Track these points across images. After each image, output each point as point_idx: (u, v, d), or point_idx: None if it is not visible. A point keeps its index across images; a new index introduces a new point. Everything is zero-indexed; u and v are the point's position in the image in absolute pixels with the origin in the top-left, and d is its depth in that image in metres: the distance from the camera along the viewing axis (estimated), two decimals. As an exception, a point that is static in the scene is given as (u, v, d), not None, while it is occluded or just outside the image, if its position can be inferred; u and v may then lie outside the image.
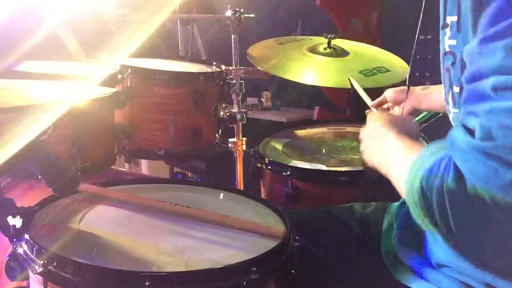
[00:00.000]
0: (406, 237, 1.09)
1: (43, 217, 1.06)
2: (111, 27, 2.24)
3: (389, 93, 1.56)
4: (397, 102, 1.55)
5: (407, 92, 1.27)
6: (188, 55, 3.26)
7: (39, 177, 0.98)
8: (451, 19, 0.89)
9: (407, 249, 1.07)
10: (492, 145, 0.70)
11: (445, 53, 0.93)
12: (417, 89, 1.52)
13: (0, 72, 1.42)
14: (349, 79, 1.75)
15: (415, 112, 1.55)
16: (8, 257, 0.97)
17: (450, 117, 0.97)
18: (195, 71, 1.85)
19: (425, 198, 0.77)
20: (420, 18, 1.09)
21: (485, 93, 0.72)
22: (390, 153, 0.96)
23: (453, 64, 0.90)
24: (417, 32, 1.08)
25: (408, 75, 1.24)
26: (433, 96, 1.48)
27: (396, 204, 1.20)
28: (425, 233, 1.02)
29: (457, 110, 0.92)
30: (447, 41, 0.92)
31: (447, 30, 0.91)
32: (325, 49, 1.90)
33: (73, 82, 1.39)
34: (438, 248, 0.98)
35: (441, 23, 0.94)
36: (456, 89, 0.90)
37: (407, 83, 1.22)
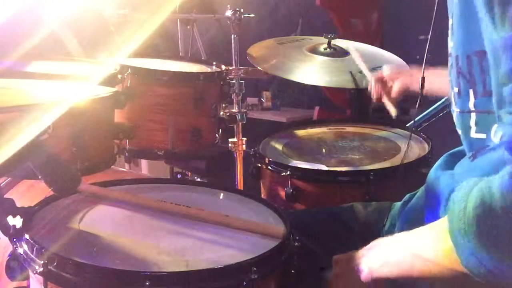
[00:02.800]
0: None
1: (43, 217, 1.06)
2: (111, 27, 2.24)
3: (386, 70, 1.65)
4: (391, 79, 1.62)
5: (421, 93, 1.26)
6: (188, 55, 3.26)
7: (39, 177, 0.98)
8: (451, 21, 0.92)
9: None
10: None
11: (449, 55, 0.95)
12: (413, 71, 1.60)
13: (0, 72, 1.42)
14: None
15: (407, 91, 1.61)
16: (8, 257, 0.97)
17: (454, 117, 0.97)
18: (195, 71, 1.85)
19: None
20: (433, 18, 1.09)
21: None
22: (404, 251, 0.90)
23: (451, 65, 0.93)
24: (430, 32, 1.09)
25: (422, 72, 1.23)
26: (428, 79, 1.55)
27: (398, 204, 1.20)
28: None
29: (458, 110, 0.93)
30: (449, 43, 0.95)
31: (450, 31, 0.94)
32: (325, 49, 1.90)
33: (73, 82, 1.39)
34: None
35: (449, 25, 0.96)
36: (455, 90, 0.92)
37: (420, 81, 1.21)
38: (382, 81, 1.64)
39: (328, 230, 1.23)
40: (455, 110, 0.95)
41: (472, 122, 0.91)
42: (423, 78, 1.19)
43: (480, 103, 0.87)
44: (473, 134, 0.92)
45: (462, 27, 0.88)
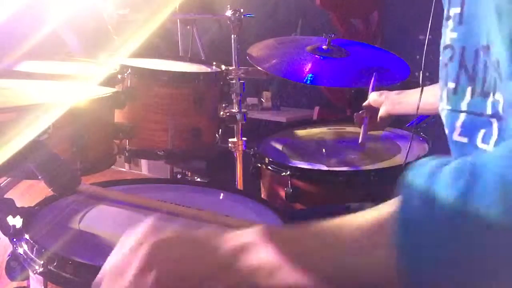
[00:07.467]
0: None
1: (43, 217, 1.06)
2: (109, 26, 2.24)
3: (372, 97, 1.64)
4: (377, 104, 1.64)
5: (421, 93, 1.23)
6: (188, 55, 3.26)
7: (39, 177, 0.98)
8: (455, 11, 0.85)
9: None
10: None
11: (445, 47, 0.88)
12: (392, 94, 1.59)
13: (0, 72, 1.42)
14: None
15: (389, 117, 1.63)
16: (8, 257, 0.97)
17: (442, 115, 0.91)
18: (195, 71, 1.85)
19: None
20: (431, 17, 1.07)
21: None
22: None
23: (451, 58, 0.86)
24: (428, 32, 1.07)
25: (421, 73, 1.20)
26: (405, 100, 1.55)
27: None
28: None
29: (449, 107, 0.87)
30: (448, 34, 0.87)
31: (450, 22, 0.86)
32: (325, 49, 1.90)
33: (73, 82, 1.39)
34: None
35: (445, 15, 0.89)
36: (451, 85, 0.85)
37: (420, 83, 1.19)
38: (372, 109, 1.67)
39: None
40: (445, 108, 0.88)
41: (459, 123, 0.84)
42: (423, 82, 1.18)
43: (474, 103, 0.81)
44: (456, 136, 0.85)
45: (478, 17, 0.78)
